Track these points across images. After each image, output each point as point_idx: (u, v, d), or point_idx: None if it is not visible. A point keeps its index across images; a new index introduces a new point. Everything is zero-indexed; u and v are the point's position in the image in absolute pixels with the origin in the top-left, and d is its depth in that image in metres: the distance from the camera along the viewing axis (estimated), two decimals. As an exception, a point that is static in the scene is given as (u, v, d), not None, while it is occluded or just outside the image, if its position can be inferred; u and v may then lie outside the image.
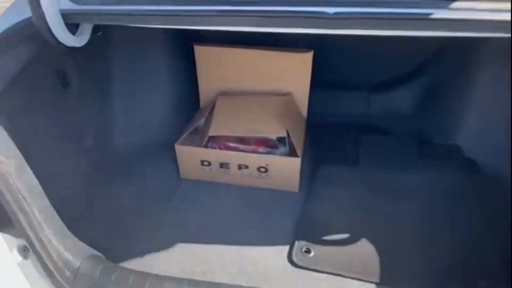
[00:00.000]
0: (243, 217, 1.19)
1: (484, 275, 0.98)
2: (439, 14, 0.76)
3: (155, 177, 1.35)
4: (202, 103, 1.53)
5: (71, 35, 0.91)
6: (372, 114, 1.69)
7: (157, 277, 0.78)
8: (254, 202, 1.25)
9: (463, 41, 1.41)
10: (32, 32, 0.89)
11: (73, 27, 0.93)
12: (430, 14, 0.76)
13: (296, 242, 1.09)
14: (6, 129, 0.85)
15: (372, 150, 1.46)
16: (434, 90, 1.57)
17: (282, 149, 1.28)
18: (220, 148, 1.30)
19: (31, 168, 0.99)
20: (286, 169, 1.25)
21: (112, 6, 0.92)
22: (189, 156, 1.31)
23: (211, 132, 1.27)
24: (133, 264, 1.02)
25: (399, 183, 1.29)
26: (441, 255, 1.03)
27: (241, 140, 1.31)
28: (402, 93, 1.66)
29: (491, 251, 1.04)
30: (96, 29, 1.04)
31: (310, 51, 1.34)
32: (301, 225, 1.15)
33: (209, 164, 1.30)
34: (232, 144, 1.30)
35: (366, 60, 1.64)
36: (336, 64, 1.65)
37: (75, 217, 1.09)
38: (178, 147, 1.31)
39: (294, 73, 1.41)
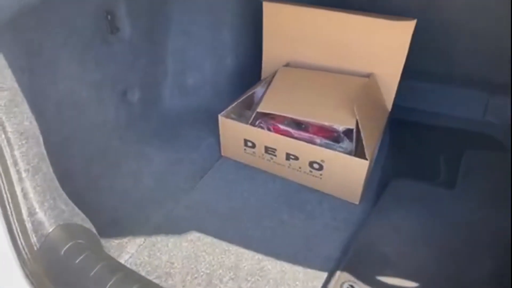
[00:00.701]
0: (277, 221, 0.94)
1: None
2: None
3: (194, 148, 1.16)
4: (264, 73, 1.29)
5: None
6: (487, 123, 1.25)
7: (126, 276, 0.59)
8: (297, 205, 0.98)
9: None
10: None
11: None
12: None
13: (338, 273, 0.80)
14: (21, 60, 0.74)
15: (477, 169, 1.05)
16: None
17: (346, 144, 0.97)
18: (269, 129, 1.05)
19: (59, 113, 0.88)
20: (348, 171, 0.95)
21: None
22: (232, 132, 1.09)
23: (261, 108, 1.02)
24: (132, 248, 0.85)
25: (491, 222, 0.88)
26: None
27: (298, 124, 1.04)
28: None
29: None
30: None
31: (412, 19, 0.98)
32: (350, 250, 0.85)
33: (254, 145, 1.07)
34: (283, 127, 1.03)
35: (487, 46, 1.19)
36: (442, 45, 1.24)
37: (99, 174, 0.97)
38: (222, 119, 1.09)
39: (385, 48, 1.06)
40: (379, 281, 0.78)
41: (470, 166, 1.08)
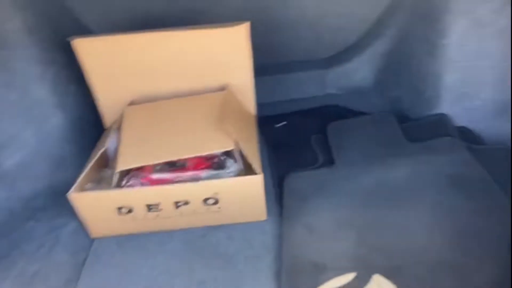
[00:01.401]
0: (194, 279, 0.79)
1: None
2: None
3: (51, 248, 0.88)
4: (106, 121, 1.07)
5: None
6: (331, 95, 1.38)
7: None
8: (208, 253, 0.85)
9: None
10: None
11: None
12: None
13: None
14: None
15: (345, 141, 1.13)
16: (397, 53, 1.29)
17: (232, 167, 0.88)
18: (143, 184, 0.87)
19: None
20: (245, 193, 0.87)
21: None
22: (97, 205, 0.87)
23: (120, 166, 0.84)
24: None
25: (391, 178, 0.97)
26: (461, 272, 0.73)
27: (172, 165, 0.89)
28: (360, 63, 1.36)
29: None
30: None
31: (244, 22, 0.96)
32: (282, 274, 0.78)
33: (130, 210, 0.87)
34: (158, 176, 0.87)
35: (312, 30, 1.31)
36: (276, 39, 1.30)
37: None
38: (73, 197, 0.85)
39: (227, 56, 1.01)
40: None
41: (336, 137, 1.15)
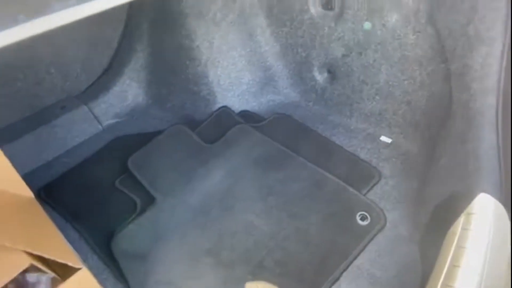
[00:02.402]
0: None
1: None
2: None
3: None
4: None
5: None
6: (112, 126, 1.24)
7: None
8: None
9: None
10: None
11: None
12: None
13: None
14: None
15: (153, 169, 1.06)
16: (158, 64, 1.27)
17: (43, 283, 0.67)
18: None
19: None
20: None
21: None
22: None
23: None
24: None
25: (213, 186, 0.99)
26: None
27: None
28: (123, 85, 1.27)
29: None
30: None
31: None
32: None
33: None
34: None
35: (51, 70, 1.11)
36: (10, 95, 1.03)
37: None
38: None
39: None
40: None
41: (143, 170, 1.06)
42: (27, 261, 0.66)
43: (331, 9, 1.03)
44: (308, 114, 1.18)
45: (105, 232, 0.91)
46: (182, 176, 1.02)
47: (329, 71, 1.14)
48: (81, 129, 1.19)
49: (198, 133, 1.14)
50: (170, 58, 1.22)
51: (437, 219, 0.77)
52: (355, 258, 0.81)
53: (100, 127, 1.23)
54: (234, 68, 1.19)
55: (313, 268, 0.80)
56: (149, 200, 0.97)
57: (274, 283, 0.78)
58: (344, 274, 0.79)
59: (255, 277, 0.79)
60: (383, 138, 1.06)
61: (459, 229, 0.67)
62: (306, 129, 1.13)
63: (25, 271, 0.67)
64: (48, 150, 1.12)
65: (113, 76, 1.25)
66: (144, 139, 1.17)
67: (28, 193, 0.83)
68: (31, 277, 0.67)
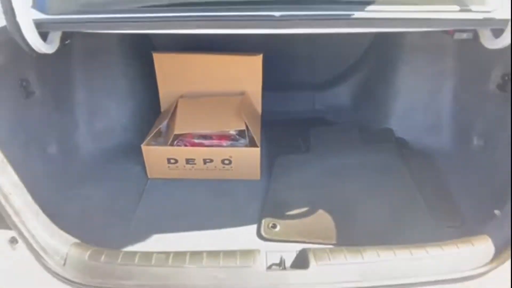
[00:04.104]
0: (212, 207, 1.30)
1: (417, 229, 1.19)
2: (362, 14, 0.97)
3: (123, 179, 1.41)
4: (162, 107, 1.62)
5: (43, 42, 0.97)
6: (318, 110, 1.90)
7: (145, 253, 0.87)
8: (221, 192, 1.36)
9: (387, 42, 1.68)
10: (1, 40, 0.95)
11: (43, 35, 1.00)
12: (357, 13, 0.97)
13: (263, 220, 1.22)
14: None
15: (320, 139, 1.65)
16: (367, 84, 1.82)
17: (242, 141, 1.42)
18: (186, 145, 1.40)
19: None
20: (248, 159, 1.39)
21: (79, 15, 1.01)
22: (156, 155, 1.40)
23: (177, 130, 1.38)
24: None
25: (345, 164, 1.48)
26: (381, 218, 1.23)
27: (205, 136, 1.43)
28: (341, 88, 1.90)
29: (424, 212, 1.26)
30: (64, 38, 1.11)
31: (259, 54, 1.51)
32: (265, 206, 1.29)
33: (176, 161, 1.40)
34: (196, 141, 1.41)
35: (308, 62, 1.87)
36: (283, 67, 1.85)
37: (52, 218, 1.13)
38: (145, 148, 1.38)
39: (246, 74, 1.57)
40: (289, 215, 1.24)
41: (315, 138, 1.67)
42: (243, 127, 1.41)
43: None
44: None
45: (277, 152, 1.59)
46: (331, 151, 1.57)
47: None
48: (302, 103, 1.92)
49: (361, 135, 1.64)
50: (375, 81, 1.77)
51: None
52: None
53: (312, 107, 1.92)
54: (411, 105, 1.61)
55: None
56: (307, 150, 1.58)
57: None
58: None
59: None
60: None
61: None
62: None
63: (240, 132, 1.43)
64: (279, 106, 1.91)
65: (340, 81, 1.91)
66: (329, 124, 1.79)
67: (259, 113, 1.63)
68: (240, 136, 1.42)
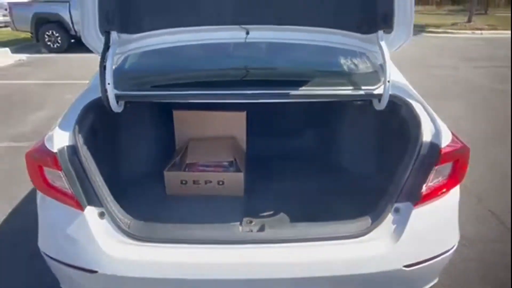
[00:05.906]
0: (209, 211, 1.95)
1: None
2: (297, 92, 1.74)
3: (150, 193, 2.07)
4: (177, 146, 2.34)
5: (117, 106, 1.71)
6: (288, 150, 2.63)
7: (182, 226, 1.53)
8: (216, 203, 2.02)
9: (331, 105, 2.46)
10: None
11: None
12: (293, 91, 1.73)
13: (244, 219, 1.87)
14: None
15: (288, 170, 2.35)
16: (319, 131, 2.58)
17: (231, 169, 2.11)
18: (193, 171, 2.09)
19: None
20: (235, 181, 2.07)
21: (140, 92, 1.77)
22: (172, 178, 2.08)
23: (189, 160, 2.08)
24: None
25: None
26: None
27: (206, 165, 2.12)
28: (304, 137, 2.65)
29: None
30: (126, 103, 1.86)
31: (243, 111, 2.27)
32: (246, 211, 1.94)
33: (186, 182, 2.08)
34: (201, 168, 2.10)
35: (280, 118, 2.63)
36: (263, 119, 2.60)
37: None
38: (166, 173, 2.07)
39: (236, 125, 2.31)
40: (260, 218, 1.89)
41: (285, 169, 2.37)
42: (231, 159, 2.13)
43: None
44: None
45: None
46: None
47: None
48: None
49: None
50: None
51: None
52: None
53: None
54: None
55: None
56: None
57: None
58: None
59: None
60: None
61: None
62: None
63: (229, 163, 2.15)
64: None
65: None
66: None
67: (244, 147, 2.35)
68: (228, 166, 2.13)
